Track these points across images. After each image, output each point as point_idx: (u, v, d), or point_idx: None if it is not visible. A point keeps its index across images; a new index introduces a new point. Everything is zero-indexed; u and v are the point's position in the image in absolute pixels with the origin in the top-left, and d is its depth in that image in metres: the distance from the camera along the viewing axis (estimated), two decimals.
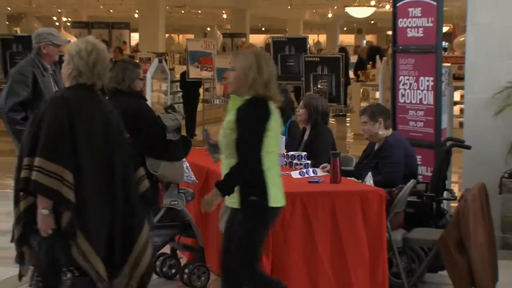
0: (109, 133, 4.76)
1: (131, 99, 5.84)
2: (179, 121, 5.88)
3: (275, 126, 4.98)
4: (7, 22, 20.24)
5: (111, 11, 32.58)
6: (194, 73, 17.12)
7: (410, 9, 7.72)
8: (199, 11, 34.79)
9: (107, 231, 4.70)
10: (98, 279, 4.60)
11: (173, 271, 6.63)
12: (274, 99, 4.99)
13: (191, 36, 34.40)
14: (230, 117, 4.96)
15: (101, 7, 31.79)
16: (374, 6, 27.90)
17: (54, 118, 4.53)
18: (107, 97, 5.76)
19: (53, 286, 4.59)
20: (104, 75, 4.81)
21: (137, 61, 17.98)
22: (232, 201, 4.98)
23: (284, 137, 7.25)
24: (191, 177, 6.46)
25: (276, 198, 4.99)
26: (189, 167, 6.45)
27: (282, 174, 6.45)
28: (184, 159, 6.12)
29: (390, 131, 6.74)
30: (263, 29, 43.08)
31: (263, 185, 4.92)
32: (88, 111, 4.74)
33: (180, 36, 41.48)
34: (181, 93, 17.28)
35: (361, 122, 6.89)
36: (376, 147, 6.78)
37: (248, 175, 4.90)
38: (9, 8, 23.64)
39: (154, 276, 6.43)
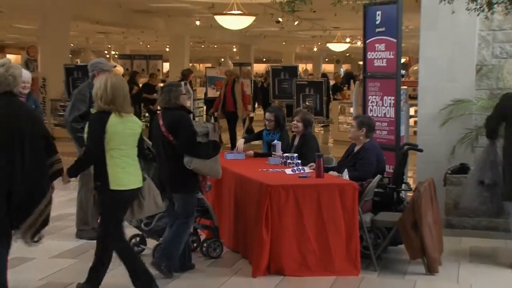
0: (16, 126, 4.92)
1: (176, 112, 5.82)
2: (208, 128, 5.87)
3: (115, 131, 5.10)
4: (70, 55, 20.22)
5: (148, 46, 32.63)
6: (212, 93, 17.17)
7: (376, 45, 7.70)
8: (215, 46, 34.82)
9: (3, 199, 4.88)
10: None
11: (195, 245, 6.57)
12: (121, 111, 5.14)
13: (209, 64, 34.32)
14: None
15: (141, 43, 31.86)
16: (349, 42, 27.94)
17: None
18: (159, 113, 5.96)
19: None
20: (10, 84, 4.95)
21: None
22: None
23: (279, 143, 7.28)
24: None
25: (118, 183, 5.11)
26: None
27: (278, 171, 6.53)
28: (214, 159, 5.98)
29: (368, 139, 6.73)
30: (264, 59, 43.09)
31: (105, 174, 5.09)
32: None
33: (201, 64, 41.44)
34: (201, 108, 17.31)
35: (351, 125, 6.92)
36: (355, 149, 6.76)
37: (87, 164, 5.32)
38: (72, 45, 23.67)
39: None
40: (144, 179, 5.34)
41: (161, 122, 5.80)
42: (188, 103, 13.57)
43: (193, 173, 5.78)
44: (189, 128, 5.78)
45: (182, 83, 13.89)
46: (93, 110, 5.29)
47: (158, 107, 8.06)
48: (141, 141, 5.36)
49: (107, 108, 5.13)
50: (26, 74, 7.62)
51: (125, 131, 5.19)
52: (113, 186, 5.12)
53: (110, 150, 5.11)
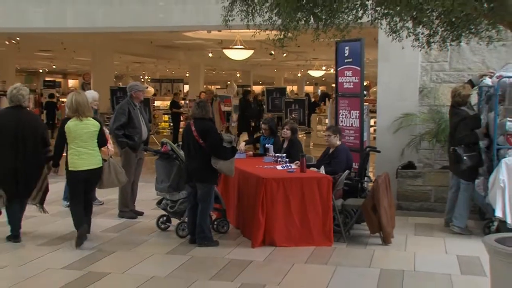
0: (20, 127, 5.73)
1: (206, 122, 5.83)
2: (231, 138, 5.85)
3: (70, 131, 5.66)
4: (114, 79, 20.27)
5: (173, 72, 32.50)
6: (222, 108, 17.06)
7: (345, 72, 7.70)
8: (223, 72, 34.72)
9: (12, 176, 5.72)
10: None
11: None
12: (82, 116, 5.68)
13: (219, 86, 34.27)
14: None
15: (167, 70, 31.79)
16: (325, 70, 27.93)
17: None
18: (192, 121, 5.96)
19: None
20: (20, 100, 5.81)
21: (188, 102, 17.99)
22: None
23: (271, 146, 7.28)
24: None
25: (72, 166, 5.69)
26: None
27: (271, 167, 6.49)
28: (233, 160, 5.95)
29: (340, 142, 6.73)
30: (260, 82, 42.86)
31: (67, 160, 5.71)
32: (7, 116, 5.83)
33: (213, 86, 41.35)
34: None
35: (326, 134, 6.87)
36: (330, 151, 6.75)
37: (58, 153, 5.83)
38: (115, 72, 23.70)
39: None
40: (105, 160, 5.92)
41: (193, 128, 5.77)
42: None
43: (214, 169, 5.75)
44: (216, 135, 5.79)
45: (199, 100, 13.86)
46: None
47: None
48: (100, 136, 5.82)
49: (72, 115, 5.69)
50: (96, 95, 7.61)
51: (81, 130, 5.69)
52: (70, 167, 5.70)
53: (69, 143, 5.68)
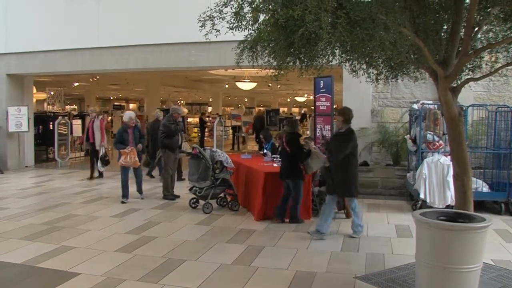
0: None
1: (293, 135, 5.60)
2: (307, 146, 5.58)
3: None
4: (160, 103, 20.42)
5: (200, 98, 32.51)
6: (233, 122, 17.15)
7: (320, 98, 7.63)
8: (235, 98, 34.68)
9: None
10: None
11: (224, 203, 6.50)
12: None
13: (232, 108, 34.33)
14: None
15: (196, 96, 31.77)
16: (306, 97, 27.92)
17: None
18: (285, 134, 5.62)
19: None
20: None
21: (210, 118, 18.07)
22: None
23: (269, 151, 7.30)
24: (231, 164, 6.31)
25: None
26: (228, 158, 6.27)
27: (269, 164, 6.40)
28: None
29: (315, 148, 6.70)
30: (261, 105, 42.57)
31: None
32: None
33: (228, 108, 41.19)
34: (228, 130, 17.27)
35: (304, 141, 6.85)
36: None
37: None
38: (161, 98, 23.83)
39: (215, 205, 6.40)
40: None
41: (284, 139, 5.64)
42: (221, 130, 13.45)
43: (298, 167, 5.40)
44: (296, 145, 5.53)
45: (218, 117, 13.92)
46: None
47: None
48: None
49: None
50: (133, 114, 7.46)
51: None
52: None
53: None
